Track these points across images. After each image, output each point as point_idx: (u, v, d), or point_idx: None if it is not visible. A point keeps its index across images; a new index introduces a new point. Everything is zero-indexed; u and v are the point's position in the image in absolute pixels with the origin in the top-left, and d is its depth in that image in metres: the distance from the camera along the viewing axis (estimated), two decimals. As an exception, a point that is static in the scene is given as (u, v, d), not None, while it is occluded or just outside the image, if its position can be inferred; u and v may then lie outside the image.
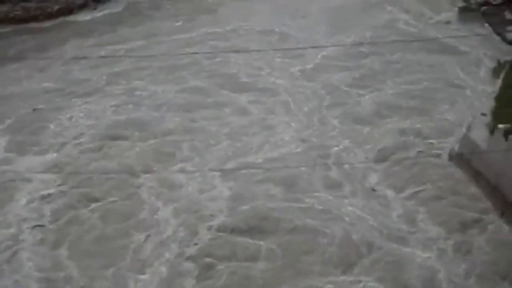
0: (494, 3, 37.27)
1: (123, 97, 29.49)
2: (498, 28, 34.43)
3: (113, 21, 39.73)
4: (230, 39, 35.64)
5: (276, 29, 36.79)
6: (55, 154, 24.95)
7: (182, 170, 23.40)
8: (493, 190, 21.10)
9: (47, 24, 39.42)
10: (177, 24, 38.78)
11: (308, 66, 31.93)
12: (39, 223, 20.93)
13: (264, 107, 28.17)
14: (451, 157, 23.57)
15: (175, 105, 28.45)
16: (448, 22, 36.85)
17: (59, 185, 22.86)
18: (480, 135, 22.91)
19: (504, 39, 33.21)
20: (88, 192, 22.41)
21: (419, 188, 22.06)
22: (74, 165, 24.18)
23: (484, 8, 37.23)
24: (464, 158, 22.89)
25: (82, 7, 41.46)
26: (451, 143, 24.40)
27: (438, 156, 23.93)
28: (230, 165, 23.81)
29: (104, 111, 28.26)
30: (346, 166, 23.29)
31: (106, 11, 41.46)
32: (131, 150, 25.05)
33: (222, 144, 25.23)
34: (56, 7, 40.63)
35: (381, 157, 23.93)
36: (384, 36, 34.89)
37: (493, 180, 21.19)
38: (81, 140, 25.93)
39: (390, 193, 21.94)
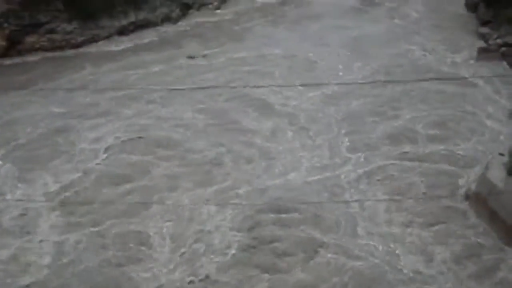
0: (513, 44, 37.15)
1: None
2: (517, 68, 34.24)
3: (138, 49, 40.73)
4: (256, 63, 37.31)
5: (299, 55, 38.31)
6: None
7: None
8: (508, 230, 20.69)
9: (69, 53, 40.26)
10: (205, 52, 39.93)
11: (328, 93, 32.88)
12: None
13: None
14: (467, 197, 23.22)
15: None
16: (467, 62, 36.59)
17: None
18: (497, 175, 22.62)
19: (523, 80, 32.95)
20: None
21: (432, 228, 21.79)
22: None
23: (503, 49, 37.02)
24: (480, 198, 22.53)
25: (106, 38, 42.27)
26: (468, 182, 24.10)
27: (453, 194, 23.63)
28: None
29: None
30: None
31: (131, 44, 42.18)
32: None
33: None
34: (80, 39, 41.48)
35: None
36: (400, 68, 35.75)
37: (509, 220, 20.79)
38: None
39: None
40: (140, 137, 28.57)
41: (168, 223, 22.46)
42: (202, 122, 30.04)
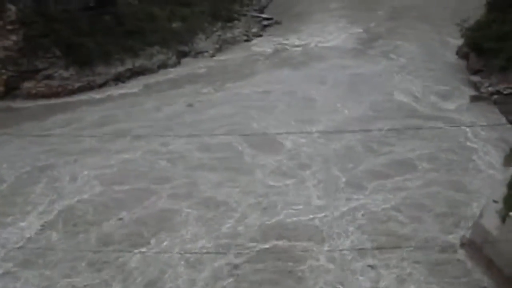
0: (505, 92, 37.17)
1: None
2: (510, 116, 34.13)
3: (130, 96, 40.71)
4: (261, 99, 39.44)
5: (299, 92, 40.30)
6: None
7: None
8: (506, 281, 20.17)
9: (66, 100, 40.06)
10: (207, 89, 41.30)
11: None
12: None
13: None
14: (462, 244, 22.76)
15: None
16: (459, 110, 36.51)
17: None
18: (492, 222, 22.19)
19: (515, 127, 32.85)
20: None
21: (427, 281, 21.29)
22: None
23: (495, 97, 37.12)
24: (476, 246, 22.07)
25: (102, 85, 42.28)
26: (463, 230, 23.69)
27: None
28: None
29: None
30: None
31: (123, 90, 42.17)
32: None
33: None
34: (77, 85, 41.47)
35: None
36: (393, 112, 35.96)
37: (506, 270, 20.28)
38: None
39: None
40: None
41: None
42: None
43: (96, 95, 41.32)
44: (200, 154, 31.40)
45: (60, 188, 27.98)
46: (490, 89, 37.97)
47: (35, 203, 26.66)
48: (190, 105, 38.56)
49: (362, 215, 25.37)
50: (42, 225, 25.05)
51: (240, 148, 31.83)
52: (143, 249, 23.12)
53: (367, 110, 36.61)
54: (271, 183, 28.33)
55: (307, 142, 32.21)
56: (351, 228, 24.41)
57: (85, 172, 29.41)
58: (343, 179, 28.45)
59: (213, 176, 29.03)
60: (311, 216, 25.35)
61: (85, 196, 27.31)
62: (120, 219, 25.35)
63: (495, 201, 24.08)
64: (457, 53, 44.75)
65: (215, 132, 33.25)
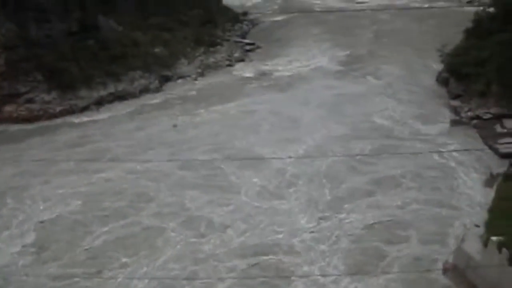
0: (484, 117, 37.29)
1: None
2: (489, 141, 34.19)
3: (111, 119, 40.31)
4: (246, 118, 39.91)
5: (284, 111, 41.01)
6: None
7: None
8: (489, 305, 19.97)
9: (46, 123, 39.62)
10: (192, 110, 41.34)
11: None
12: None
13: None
14: (445, 269, 22.53)
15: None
16: (440, 134, 36.52)
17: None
18: (474, 246, 22.04)
19: (495, 152, 32.86)
20: None
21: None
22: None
23: (475, 121, 37.22)
24: (459, 271, 21.86)
25: (84, 109, 41.90)
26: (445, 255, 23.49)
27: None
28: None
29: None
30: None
31: (105, 114, 41.80)
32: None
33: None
34: (58, 108, 41.07)
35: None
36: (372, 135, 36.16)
37: (489, 294, 20.10)
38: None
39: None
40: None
41: None
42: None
43: (76, 119, 40.92)
44: (183, 172, 31.10)
45: (31, 208, 27.43)
46: (469, 113, 38.11)
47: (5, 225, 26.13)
48: (174, 125, 38.61)
49: (345, 235, 25.14)
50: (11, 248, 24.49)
51: (223, 166, 31.65)
52: (114, 273, 22.64)
53: (347, 130, 37.09)
54: (255, 202, 28.06)
55: (292, 161, 32.08)
56: (334, 249, 24.18)
57: (59, 191, 28.93)
58: (327, 198, 28.47)
59: (196, 194, 28.68)
60: (294, 239, 25.08)
61: (55, 216, 26.88)
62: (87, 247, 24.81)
63: (476, 226, 24.03)
64: (437, 79, 44.95)
65: (198, 150, 33.56)
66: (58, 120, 40.20)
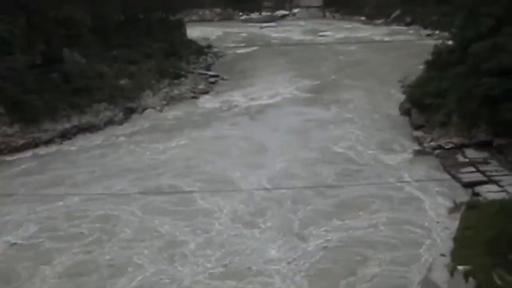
0: (446, 147, 37.69)
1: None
2: (452, 170, 34.47)
3: (74, 151, 39.75)
4: (214, 144, 40.73)
5: (254, 137, 41.96)
6: None
7: None
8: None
9: (8, 158, 38.80)
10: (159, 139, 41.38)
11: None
12: None
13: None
14: (413, 300, 22.39)
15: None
16: (403, 164, 36.68)
17: None
18: (441, 276, 21.95)
19: (458, 181, 33.12)
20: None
21: None
22: None
23: (437, 151, 37.56)
24: (426, 301, 21.73)
25: (47, 142, 41.13)
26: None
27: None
28: None
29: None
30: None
31: (72, 146, 41.18)
32: None
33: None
34: (21, 141, 40.18)
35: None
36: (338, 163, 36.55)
37: (457, 324, 19.95)
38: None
39: None
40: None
41: None
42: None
43: (39, 151, 40.16)
44: (151, 197, 30.76)
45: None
46: (432, 144, 38.44)
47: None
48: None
49: (312, 262, 24.98)
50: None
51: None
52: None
53: (313, 155, 37.94)
54: (225, 229, 27.79)
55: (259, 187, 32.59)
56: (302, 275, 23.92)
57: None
58: (295, 223, 28.45)
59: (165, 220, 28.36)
60: (264, 267, 24.75)
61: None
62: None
63: (442, 255, 23.95)
64: (399, 109, 45.41)
65: (167, 175, 34.08)
66: (21, 154, 39.25)
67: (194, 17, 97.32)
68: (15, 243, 27.10)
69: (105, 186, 32.71)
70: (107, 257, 25.61)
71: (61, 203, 30.66)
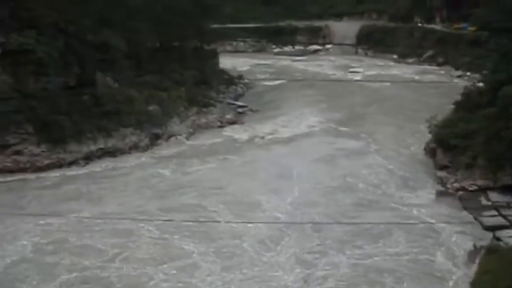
0: (470, 189, 36.84)
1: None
2: (474, 213, 33.65)
3: (96, 176, 39.76)
4: (240, 169, 41.36)
5: (280, 164, 42.59)
6: None
7: None
8: None
9: (32, 176, 39.04)
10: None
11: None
12: None
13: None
14: None
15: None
16: (425, 204, 35.94)
17: None
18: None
19: (480, 224, 32.28)
20: None
21: None
22: None
23: (460, 193, 36.74)
24: None
25: (71, 163, 41.36)
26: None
27: None
28: None
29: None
30: None
31: (92, 169, 41.40)
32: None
33: None
34: (46, 162, 40.52)
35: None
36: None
37: None
38: None
39: None
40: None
41: None
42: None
43: (63, 171, 40.46)
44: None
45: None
46: (455, 185, 37.64)
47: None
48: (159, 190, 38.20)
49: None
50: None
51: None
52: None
53: (335, 183, 38.44)
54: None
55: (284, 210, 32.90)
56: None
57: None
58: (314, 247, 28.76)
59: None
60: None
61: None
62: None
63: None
64: (424, 149, 44.69)
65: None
66: (44, 173, 39.63)
67: (228, 48, 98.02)
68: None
69: (121, 202, 32.55)
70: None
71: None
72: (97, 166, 41.91)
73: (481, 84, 44.76)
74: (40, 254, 28.42)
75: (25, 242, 29.42)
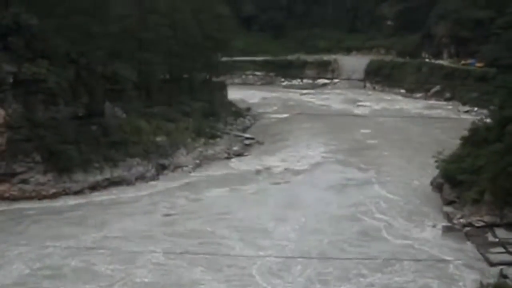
0: (477, 225, 36.27)
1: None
2: (481, 249, 33.06)
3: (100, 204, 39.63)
4: (248, 198, 41.84)
5: (288, 193, 43.34)
6: None
7: None
8: None
9: (36, 205, 38.96)
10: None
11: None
12: None
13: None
14: None
15: None
16: (431, 239, 35.36)
17: None
18: None
19: (486, 260, 31.68)
20: None
21: None
22: None
23: (467, 229, 36.15)
24: None
25: (77, 193, 41.25)
26: None
27: None
28: None
29: None
30: None
31: (98, 198, 41.28)
32: None
33: None
34: (52, 191, 40.43)
35: None
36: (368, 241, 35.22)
37: None
38: None
39: None
40: None
41: None
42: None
43: (69, 201, 40.34)
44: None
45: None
46: (462, 220, 37.08)
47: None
48: (166, 215, 38.03)
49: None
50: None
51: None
52: None
53: (343, 212, 38.99)
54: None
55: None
56: None
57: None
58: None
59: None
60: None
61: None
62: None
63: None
64: (431, 184, 44.22)
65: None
66: (49, 203, 39.57)
67: (236, 80, 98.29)
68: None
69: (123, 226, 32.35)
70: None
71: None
72: (103, 195, 41.66)
73: (488, 120, 44.48)
74: (37, 278, 28.02)
75: (22, 267, 29.36)
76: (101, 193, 42.15)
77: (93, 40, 48.72)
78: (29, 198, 39.54)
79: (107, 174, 43.86)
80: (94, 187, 42.55)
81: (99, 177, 43.27)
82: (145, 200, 40.70)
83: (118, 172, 44.49)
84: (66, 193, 40.92)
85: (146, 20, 60.25)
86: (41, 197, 39.86)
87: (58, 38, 45.99)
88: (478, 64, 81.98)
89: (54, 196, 40.27)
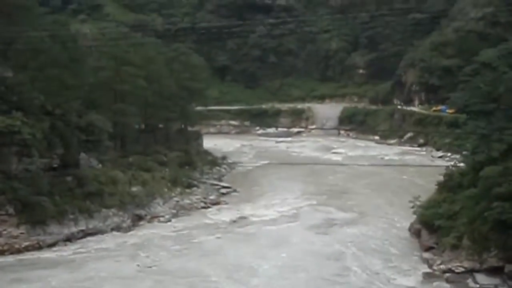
0: (457, 271, 35.86)
1: None
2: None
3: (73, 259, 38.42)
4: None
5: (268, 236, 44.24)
6: None
7: None
8: None
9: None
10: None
11: None
12: None
13: None
14: None
15: None
16: (412, 286, 34.86)
17: None
18: None
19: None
20: None
21: None
22: None
23: (447, 275, 35.70)
24: None
25: (51, 245, 40.08)
26: None
27: None
28: None
29: None
30: None
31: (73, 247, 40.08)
32: None
33: None
34: (25, 244, 39.20)
35: None
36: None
37: None
38: None
39: None
40: None
41: None
42: None
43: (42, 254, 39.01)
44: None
45: None
46: (442, 266, 36.61)
47: None
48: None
49: None
50: None
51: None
52: None
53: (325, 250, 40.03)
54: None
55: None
56: None
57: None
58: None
59: None
60: None
61: None
62: None
63: None
64: (409, 229, 43.91)
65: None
66: (21, 256, 38.23)
67: (211, 129, 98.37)
68: None
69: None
70: None
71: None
72: (78, 247, 40.51)
73: (462, 165, 44.64)
74: None
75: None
76: (76, 244, 40.99)
77: (68, 91, 48.28)
78: (2, 252, 38.20)
79: (82, 226, 42.88)
80: (68, 239, 41.47)
81: (74, 229, 42.24)
82: (121, 251, 39.52)
83: (93, 223, 43.54)
84: (40, 246, 39.71)
85: (121, 72, 60.16)
86: (13, 251, 38.56)
87: (33, 90, 45.50)
88: (449, 110, 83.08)
89: (27, 249, 39.00)
